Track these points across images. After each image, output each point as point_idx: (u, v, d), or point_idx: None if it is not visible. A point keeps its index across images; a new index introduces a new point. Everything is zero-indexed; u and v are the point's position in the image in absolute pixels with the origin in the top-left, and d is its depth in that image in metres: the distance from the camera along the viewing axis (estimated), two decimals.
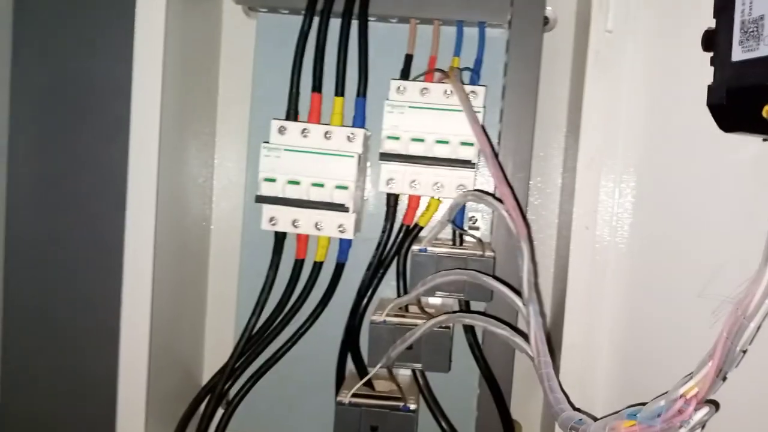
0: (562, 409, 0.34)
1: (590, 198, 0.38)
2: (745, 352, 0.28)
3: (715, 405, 0.30)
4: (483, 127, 0.44)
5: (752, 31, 0.27)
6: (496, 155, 0.44)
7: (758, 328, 0.27)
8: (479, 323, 0.40)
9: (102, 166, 0.53)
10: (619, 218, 0.38)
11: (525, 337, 0.37)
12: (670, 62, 0.36)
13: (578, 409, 0.34)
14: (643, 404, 0.30)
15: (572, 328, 0.38)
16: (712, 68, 0.31)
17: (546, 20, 0.51)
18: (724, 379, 0.28)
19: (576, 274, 0.38)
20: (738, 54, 0.28)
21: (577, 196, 0.38)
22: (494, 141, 0.49)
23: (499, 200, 0.39)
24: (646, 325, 0.37)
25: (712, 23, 0.34)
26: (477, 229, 0.51)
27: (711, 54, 0.31)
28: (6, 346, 0.54)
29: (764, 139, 0.31)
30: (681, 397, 0.28)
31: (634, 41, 0.37)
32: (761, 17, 0.27)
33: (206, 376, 0.54)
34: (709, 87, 0.30)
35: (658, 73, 0.36)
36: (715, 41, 0.30)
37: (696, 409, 0.28)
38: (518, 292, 0.38)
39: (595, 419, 0.32)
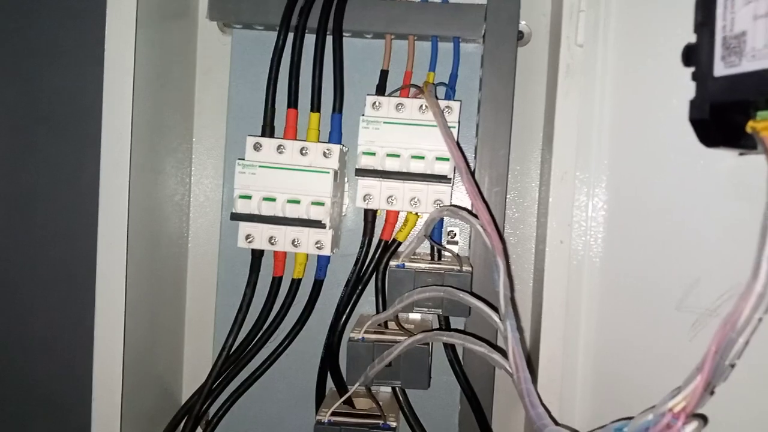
0: (544, 425, 0.33)
1: (564, 212, 0.38)
2: (733, 366, 0.28)
3: (704, 419, 0.30)
4: (458, 143, 0.44)
5: (734, 47, 0.27)
6: (470, 170, 0.44)
7: (746, 343, 0.27)
8: (457, 341, 0.39)
9: (74, 183, 0.52)
10: (592, 232, 0.38)
11: (504, 353, 0.37)
12: (640, 75, 0.36)
13: (560, 424, 0.34)
14: (629, 418, 0.30)
15: (549, 342, 0.38)
16: (694, 83, 0.31)
17: (520, 34, 0.51)
18: (712, 393, 0.28)
19: (552, 288, 0.38)
20: (720, 69, 0.28)
21: (551, 210, 0.38)
22: (470, 155, 0.49)
23: (475, 215, 0.39)
24: (622, 338, 0.37)
25: (681, 36, 0.34)
26: (456, 243, 0.51)
27: (690, 68, 0.31)
28: None
29: (740, 153, 0.31)
30: (669, 411, 0.28)
31: (604, 55, 0.37)
32: (743, 33, 0.27)
33: (186, 395, 0.53)
34: (691, 102, 0.30)
35: (628, 86, 0.36)
36: (696, 56, 0.30)
37: (684, 424, 0.27)
38: (495, 308, 0.38)
39: None
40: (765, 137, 0.26)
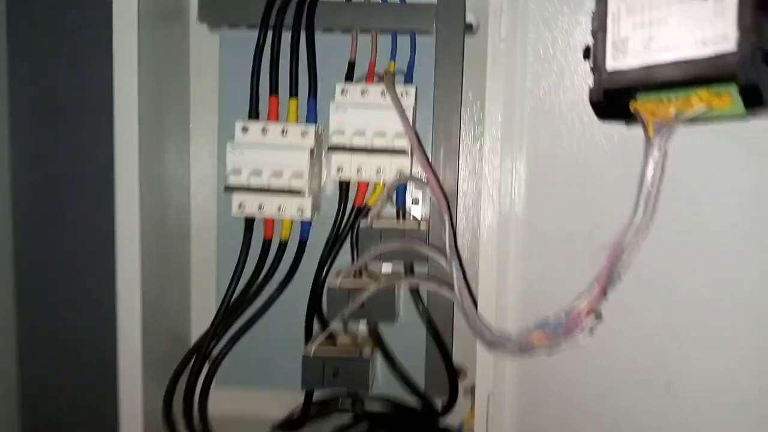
0: (482, 333, 0.43)
1: (495, 177, 0.47)
2: (620, 277, 0.37)
3: (599, 316, 0.39)
4: (414, 121, 0.53)
5: (620, 48, 0.36)
6: (421, 145, 0.53)
7: (629, 260, 0.36)
8: (413, 281, 0.49)
9: (93, 165, 0.61)
10: (516, 191, 0.47)
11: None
12: (551, 64, 0.45)
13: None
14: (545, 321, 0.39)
15: (485, 278, 0.47)
16: (592, 74, 0.39)
17: (470, 26, 0.59)
18: (605, 296, 0.37)
19: (486, 237, 0.47)
20: (611, 64, 0.36)
21: (485, 174, 0.47)
22: (429, 132, 0.58)
23: (425, 181, 0.48)
24: (543, 271, 0.46)
25: (582, 34, 0.43)
26: (418, 205, 0.60)
27: (589, 62, 0.39)
28: (23, 324, 0.62)
29: (627, 125, 0.40)
30: (577, 311, 0.37)
31: (523, 47, 0.46)
32: (626, 37, 0.35)
33: (193, 339, 0.62)
34: (590, 88, 0.38)
35: (542, 72, 0.45)
36: (593, 54, 0.38)
37: (587, 317, 0.37)
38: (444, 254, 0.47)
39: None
40: (641, 113, 0.35)
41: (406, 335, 0.59)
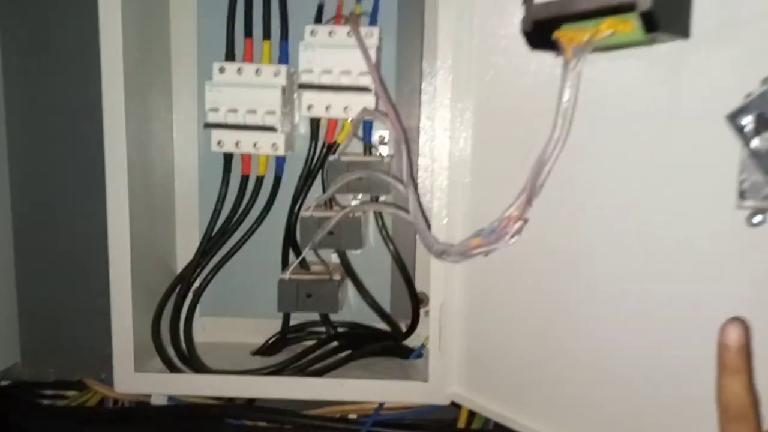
0: (432, 243, 0.48)
1: (446, 111, 0.51)
2: (542, 186, 0.41)
3: (525, 220, 0.43)
4: (375, 62, 0.56)
5: None
6: (382, 82, 0.56)
7: (549, 171, 0.40)
8: (373, 207, 0.54)
9: (83, 106, 0.64)
10: (467, 122, 0.51)
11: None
12: (495, 3, 0.49)
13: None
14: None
15: (438, 203, 0.52)
16: (524, 7, 0.43)
17: None
18: (530, 204, 0.42)
19: (439, 162, 0.51)
20: None
21: (438, 108, 0.52)
22: (393, 70, 0.62)
23: (385, 114, 0.52)
24: (486, 191, 0.50)
25: None
26: (385, 144, 0.64)
27: None
28: (21, 258, 0.67)
29: (556, 55, 0.44)
30: (506, 217, 0.42)
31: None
32: None
33: (179, 269, 0.67)
34: (521, 19, 0.41)
35: (487, 11, 0.49)
36: None
37: (515, 223, 0.41)
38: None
39: None
40: (561, 41, 0.39)
41: (374, 265, 0.64)
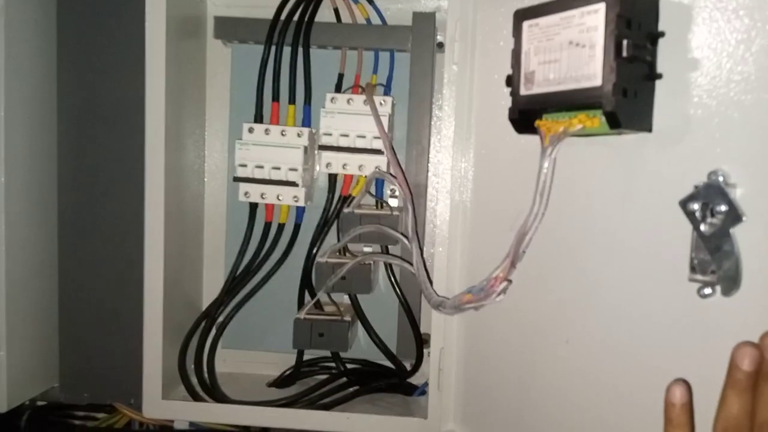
0: (431, 295, 0.54)
1: (448, 174, 0.58)
2: (524, 252, 0.47)
3: (509, 281, 0.49)
4: (388, 128, 0.63)
5: (530, 78, 0.46)
6: (392, 146, 0.63)
7: (530, 239, 0.46)
8: (381, 258, 0.60)
9: (128, 160, 0.72)
10: (465, 186, 0.58)
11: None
12: (489, 87, 0.55)
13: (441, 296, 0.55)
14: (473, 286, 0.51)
15: (439, 256, 0.58)
16: (510, 97, 0.49)
17: (441, 45, 0.70)
18: (514, 266, 0.48)
19: (440, 220, 0.58)
20: (523, 90, 0.46)
21: (440, 172, 0.58)
22: (404, 134, 0.69)
23: (394, 176, 0.59)
24: (484, 248, 0.56)
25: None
26: (396, 198, 0.71)
27: (509, 89, 0.48)
28: (65, 293, 0.74)
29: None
30: (493, 277, 0.48)
31: (471, 72, 0.56)
32: (533, 72, 0.45)
33: (204, 306, 0.73)
34: (509, 108, 0.47)
35: (484, 90, 0.56)
36: (511, 82, 0.47)
37: (501, 282, 0.48)
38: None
39: None
40: (540, 128, 0.46)
41: (382, 308, 0.70)
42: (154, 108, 0.62)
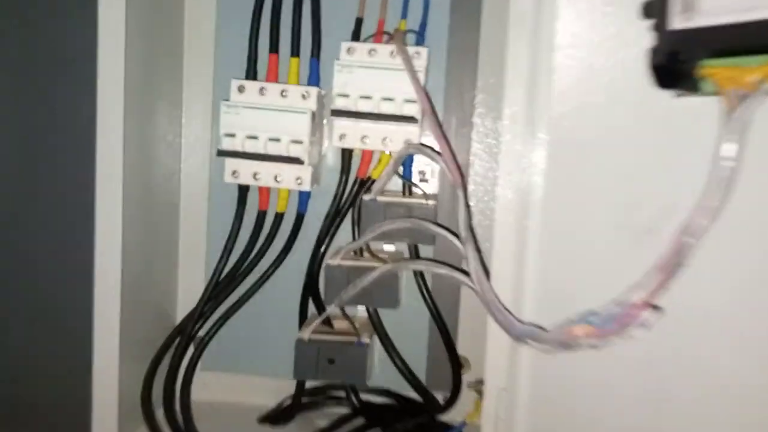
0: (512, 324, 0.38)
1: (515, 151, 0.42)
2: (681, 266, 0.32)
3: (657, 308, 0.34)
4: (425, 86, 0.47)
5: (690, 4, 0.31)
6: (435, 112, 0.48)
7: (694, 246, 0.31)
8: (422, 267, 0.44)
9: (73, 126, 0.56)
10: (538, 169, 0.42)
11: (467, 274, 0.41)
12: (591, 22, 0.40)
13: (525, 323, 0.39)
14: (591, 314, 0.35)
15: (501, 267, 0.42)
16: (654, 34, 0.34)
17: None
18: (667, 286, 0.33)
19: (502, 215, 0.42)
20: (678, 22, 0.31)
21: (503, 149, 0.42)
22: (441, 98, 0.53)
23: (438, 152, 0.43)
24: (565, 258, 0.41)
25: None
26: (426, 182, 0.55)
27: (649, 20, 0.34)
28: None
29: (678, 95, 0.35)
30: (632, 303, 0.32)
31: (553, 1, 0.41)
32: None
33: (179, 318, 0.58)
34: (651, 49, 0.33)
35: (578, 33, 0.40)
36: (656, 11, 0.33)
37: (645, 311, 0.32)
38: (458, 235, 0.42)
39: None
40: (716, 80, 0.30)
41: (408, 323, 0.55)
42: (109, 55, 0.46)
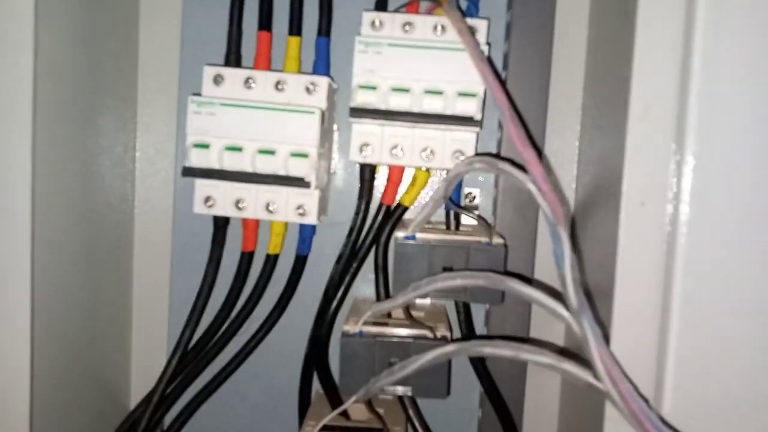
0: None
1: (644, 162, 0.27)
2: None
3: None
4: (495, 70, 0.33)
5: None
6: (516, 109, 0.33)
7: None
8: (507, 353, 0.28)
9: None
10: (679, 194, 0.27)
11: (575, 358, 0.26)
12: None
13: None
14: None
15: (623, 337, 0.28)
16: None
17: None
18: None
19: (628, 264, 0.28)
20: None
21: (627, 159, 0.28)
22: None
23: (523, 169, 0.28)
24: (722, 321, 0.27)
25: None
26: (476, 208, 0.41)
27: None
28: None
29: None
30: None
31: None
32: None
33: (135, 401, 0.44)
34: None
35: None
36: None
37: None
38: (556, 293, 0.27)
39: None
40: None
41: (450, 403, 0.41)
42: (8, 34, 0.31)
